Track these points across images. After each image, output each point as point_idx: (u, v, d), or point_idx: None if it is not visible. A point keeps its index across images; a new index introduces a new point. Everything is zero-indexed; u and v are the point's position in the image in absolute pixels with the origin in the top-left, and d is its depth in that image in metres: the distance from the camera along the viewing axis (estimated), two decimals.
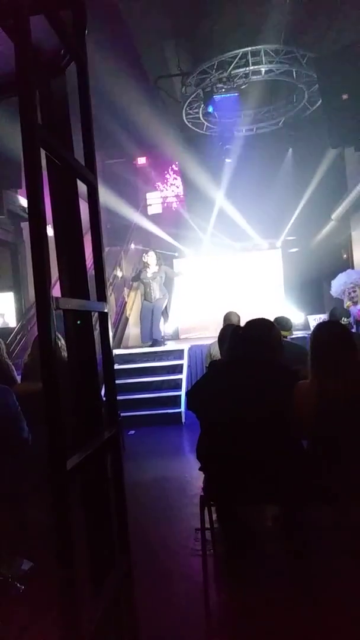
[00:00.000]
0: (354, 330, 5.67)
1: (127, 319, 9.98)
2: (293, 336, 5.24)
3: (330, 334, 2.41)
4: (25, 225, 9.33)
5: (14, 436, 2.56)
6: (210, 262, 10.35)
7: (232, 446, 2.32)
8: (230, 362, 2.72)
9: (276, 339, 2.59)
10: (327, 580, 2.34)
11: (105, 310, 1.63)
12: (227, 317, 4.77)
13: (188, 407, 2.69)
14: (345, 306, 6.74)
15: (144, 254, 8.18)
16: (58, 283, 1.64)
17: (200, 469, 2.51)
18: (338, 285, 6.85)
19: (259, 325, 2.62)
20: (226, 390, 2.42)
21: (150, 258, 7.93)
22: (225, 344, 3.67)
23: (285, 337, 4.31)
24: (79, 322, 1.62)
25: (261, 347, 2.51)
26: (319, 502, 2.28)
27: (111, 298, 9.35)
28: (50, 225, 1.33)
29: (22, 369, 3.21)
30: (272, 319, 4.38)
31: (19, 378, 3.33)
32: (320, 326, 2.51)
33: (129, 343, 9.72)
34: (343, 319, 5.61)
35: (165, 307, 7.96)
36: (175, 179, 13.45)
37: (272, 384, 2.38)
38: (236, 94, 8.88)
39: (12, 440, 2.56)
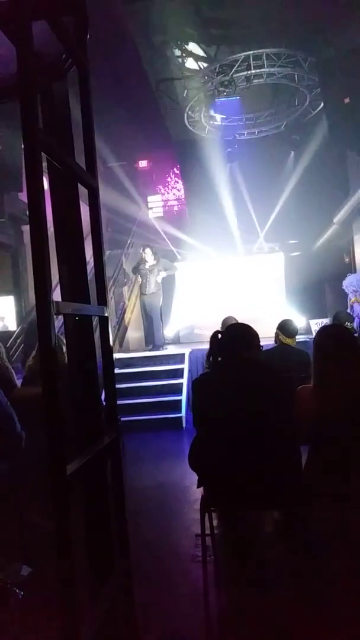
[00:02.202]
0: (357, 334, 5.65)
1: (127, 323, 9.96)
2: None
3: (333, 337, 2.40)
4: (26, 229, 9.33)
5: (8, 432, 2.54)
6: (211, 265, 10.34)
7: (225, 451, 2.31)
8: (212, 368, 2.67)
9: (255, 340, 2.54)
10: (328, 585, 2.32)
11: (106, 315, 1.63)
12: (226, 322, 4.75)
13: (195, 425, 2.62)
14: (350, 301, 6.78)
15: (141, 251, 8.43)
16: (58, 287, 1.64)
17: (199, 486, 2.48)
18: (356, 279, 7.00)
19: (236, 328, 2.61)
20: (215, 398, 2.40)
21: (147, 254, 8.20)
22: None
23: (290, 344, 4.27)
24: (76, 318, 1.62)
25: (241, 349, 2.47)
26: (320, 506, 2.27)
27: (111, 302, 9.36)
28: (50, 229, 1.33)
29: (26, 371, 3.21)
30: (275, 323, 4.41)
31: (19, 382, 3.32)
32: (323, 329, 2.51)
33: (130, 347, 9.71)
34: (347, 323, 5.59)
35: (161, 308, 8.12)
36: (177, 182, 13.44)
37: (258, 385, 2.36)
38: (238, 98, 8.90)
39: (6, 437, 2.55)
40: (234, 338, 2.55)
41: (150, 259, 8.15)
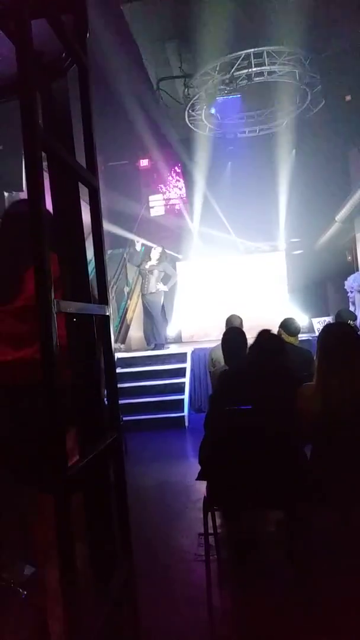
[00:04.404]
0: None
1: (129, 322, 9.96)
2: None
3: (336, 335, 2.39)
4: None
5: None
6: (213, 264, 10.33)
7: (245, 453, 2.31)
8: (248, 372, 2.81)
9: (285, 348, 2.82)
10: (331, 585, 2.32)
11: (107, 314, 1.62)
12: (229, 320, 4.74)
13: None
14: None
15: (153, 248, 8.50)
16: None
17: (198, 478, 2.48)
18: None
19: (272, 337, 2.81)
20: (236, 395, 2.47)
21: (154, 253, 8.25)
22: (228, 347, 3.66)
23: (292, 343, 4.27)
24: (74, 319, 1.62)
25: (277, 357, 2.68)
26: (323, 506, 2.26)
27: (112, 302, 9.36)
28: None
29: None
30: (278, 322, 4.43)
31: None
32: (327, 327, 2.50)
33: (132, 346, 9.70)
34: (349, 321, 5.57)
35: (163, 306, 8.14)
36: (178, 181, 13.43)
37: (285, 392, 2.41)
38: (239, 96, 8.87)
39: None
40: (270, 347, 2.74)
41: (155, 258, 8.17)
